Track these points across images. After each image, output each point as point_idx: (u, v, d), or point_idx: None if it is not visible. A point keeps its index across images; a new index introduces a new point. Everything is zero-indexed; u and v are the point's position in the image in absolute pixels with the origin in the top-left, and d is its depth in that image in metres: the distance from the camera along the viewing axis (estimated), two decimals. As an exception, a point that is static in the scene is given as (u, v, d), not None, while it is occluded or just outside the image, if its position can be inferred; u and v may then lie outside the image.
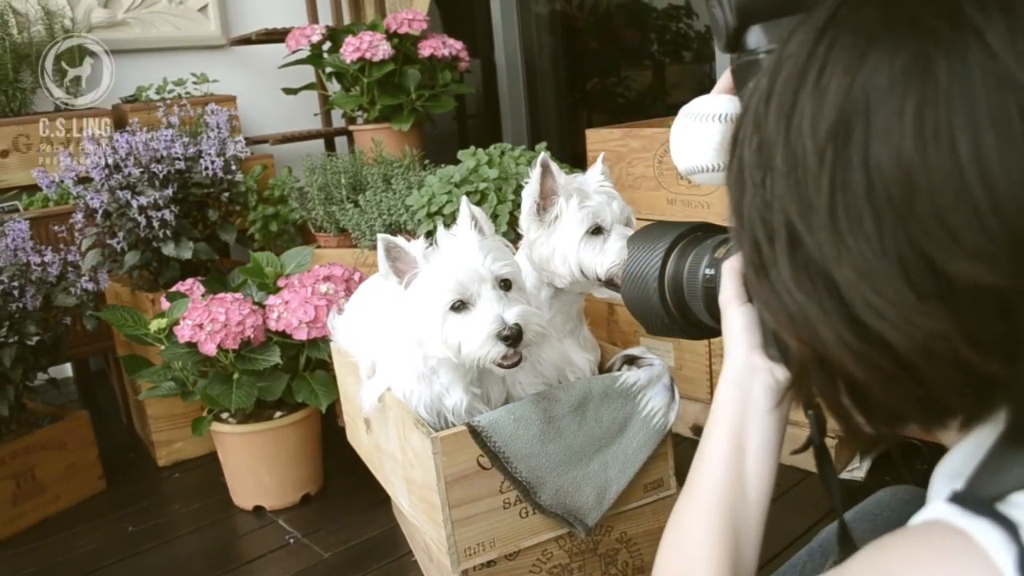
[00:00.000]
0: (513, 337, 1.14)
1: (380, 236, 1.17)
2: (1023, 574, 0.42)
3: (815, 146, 0.47)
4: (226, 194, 2.25)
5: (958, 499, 0.47)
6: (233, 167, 2.23)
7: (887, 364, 0.48)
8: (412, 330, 1.22)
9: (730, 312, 0.71)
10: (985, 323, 0.45)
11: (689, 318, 0.83)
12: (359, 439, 1.70)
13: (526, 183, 1.34)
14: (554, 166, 1.32)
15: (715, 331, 0.83)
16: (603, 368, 1.45)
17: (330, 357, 1.82)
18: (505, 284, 1.19)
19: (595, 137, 2.14)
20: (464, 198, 1.25)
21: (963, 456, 0.53)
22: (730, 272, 0.71)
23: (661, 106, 3.66)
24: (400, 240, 1.19)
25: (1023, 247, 0.43)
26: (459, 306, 1.17)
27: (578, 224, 1.31)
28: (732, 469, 0.69)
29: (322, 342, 1.85)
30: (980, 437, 0.51)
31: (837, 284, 0.48)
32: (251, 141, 2.76)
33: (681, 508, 0.71)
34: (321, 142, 3.18)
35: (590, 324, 1.54)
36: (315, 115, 3.21)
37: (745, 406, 0.69)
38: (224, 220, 2.28)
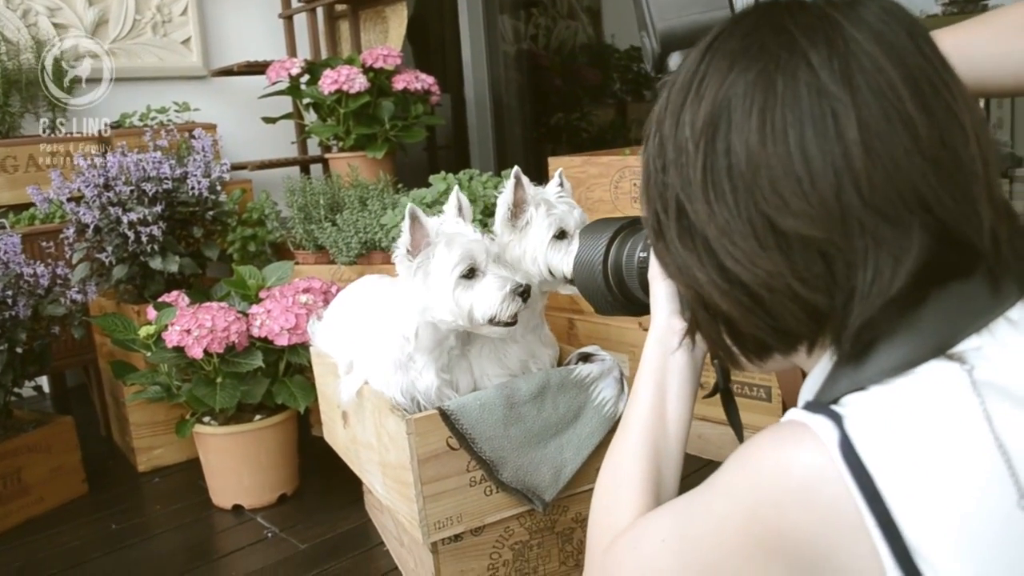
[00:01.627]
0: (527, 292, 1.36)
1: (409, 206, 1.36)
2: (843, 451, 0.59)
3: (693, 138, 0.66)
4: (210, 213, 2.40)
5: (806, 406, 0.65)
6: (218, 187, 2.39)
7: (744, 298, 0.66)
8: (420, 298, 1.39)
9: (655, 284, 0.89)
10: (809, 265, 0.63)
11: (628, 296, 1.01)
12: (336, 435, 1.85)
13: (500, 192, 1.53)
14: (525, 179, 1.51)
15: (649, 307, 1.01)
16: (560, 364, 1.62)
17: (309, 362, 1.97)
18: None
19: (557, 164, 2.34)
20: (456, 187, 1.46)
21: (814, 380, 0.70)
22: None
23: (622, 141, 3.89)
24: (420, 212, 1.37)
25: (832, 209, 0.61)
26: (469, 274, 1.36)
27: (546, 229, 1.49)
28: (655, 410, 0.86)
29: (301, 348, 2.01)
30: (824, 365, 0.69)
31: (708, 240, 0.66)
32: (230, 167, 2.92)
33: (615, 442, 0.89)
34: (297, 169, 3.34)
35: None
36: (292, 143, 3.38)
37: (666, 360, 0.87)
38: (207, 238, 2.43)
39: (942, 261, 0.62)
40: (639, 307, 1.02)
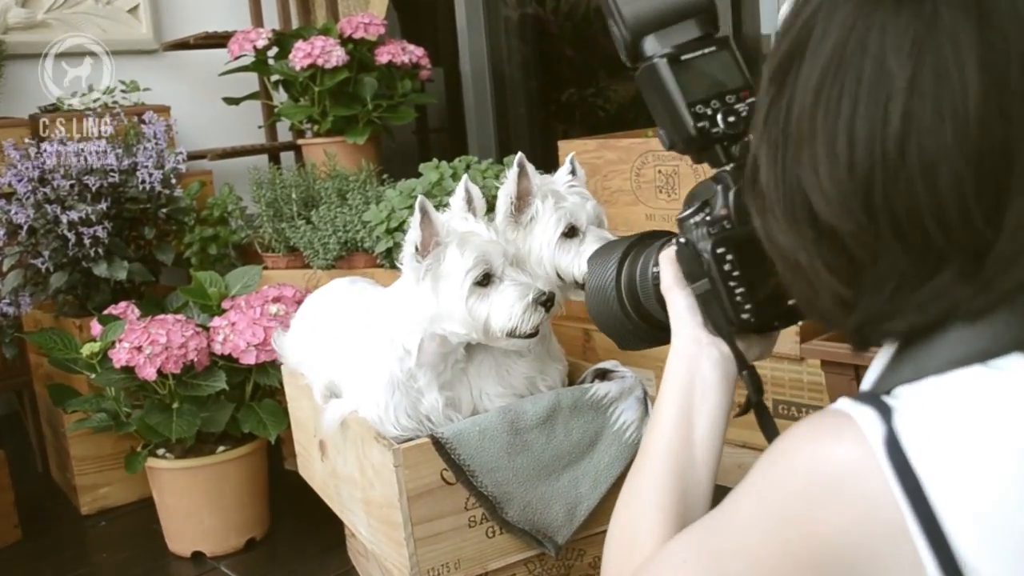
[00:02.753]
0: (551, 301, 1.40)
1: (420, 198, 1.39)
2: (888, 448, 0.61)
3: (769, 73, 0.70)
4: (164, 210, 2.43)
5: (858, 396, 0.67)
6: (172, 181, 2.42)
7: (785, 264, 0.71)
8: (427, 306, 1.42)
9: (672, 297, 0.92)
10: (834, 252, 0.67)
11: (649, 320, 1.03)
12: (312, 469, 1.86)
13: (502, 183, 1.55)
14: (530, 167, 1.54)
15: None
16: (573, 382, 1.64)
17: (280, 383, 1.99)
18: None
19: (568, 149, 2.35)
20: (465, 176, 1.49)
21: (878, 364, 0.73)
22: (667, 261, 0.92)
23: (645, 120, 3.88)
24: (431, 207, 1.40)
25: (856, 205, 0.64)
26: (484, 280, 1.40)
27: (554, 225, 1.52)
28: (680, 433, 0.88)
29: (271, 367, 2.03)
30: (890, 347, 0.72)
31: (763, 189, 0.71)
32: (187, 156, 2.94)
33: (634, 471, 0.91)
34: (265, 157, 3.37)
35: (565, 351, 1.72)
36: (259, 127, 3.41)
37: (693, 378, 0.90)
38: (161, 239, 2.46)
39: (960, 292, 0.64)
40: (663, 331, 1.04)
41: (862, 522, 0.61)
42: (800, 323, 1.67)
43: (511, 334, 1.41)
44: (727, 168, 0.89)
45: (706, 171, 0.90)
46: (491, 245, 1.42)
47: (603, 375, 1.63)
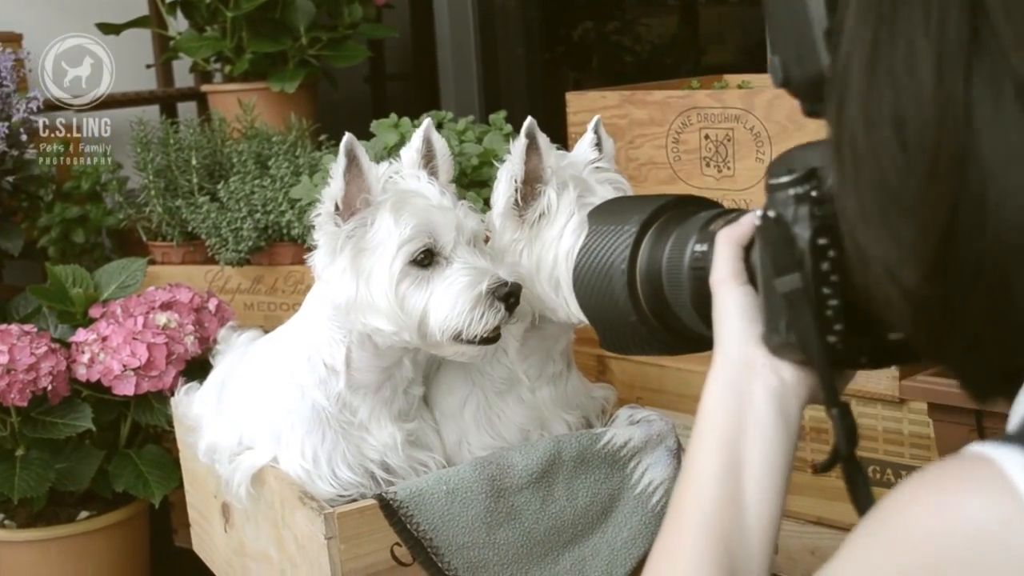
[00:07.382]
0: (514, 295, 1.38)
1: (346, 138, 1.40)
2: None
3: None
4: (10, 179, 2.44)
5: (1000, 437, 0.68)
6: (23, 138, 2.42)
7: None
8: (344, 291, 1.42)
9: (723, 293, 0.90)
10: None
11: (667, 320, 1.01)
12: (212, 543, 1.86)
13: (504, 159, 1.52)
14: (543, 138, 1.49)
15: (701, 342, 1.01)
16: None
17: (170, 423, 1.99)
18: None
19: (580, 104, 2.37)
20: (427, 120, 1.49)
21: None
22: (728, 243, 0.91)
23: (689, 66, 3.90)
24: (362, 151, 1.41)
25: None
26: (425, 259, 1.40)
27: (575, 229, 1.45)
28: (725, 490, 0.88)
29: (157, 400, 2.03)
30: None
31: None
32: (46, 106, 2.94)
33: (662, 544, 0.90)
34: (155, 109, 3.36)
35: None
36: (147, 67, 3.41)
37: (742, 414, 0.89)
38: (5, 220, 2.46)
39: None
40: (684, 341, 1.03)
41: None
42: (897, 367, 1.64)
43: (457, 337, 1.40)
44: None
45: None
46: (441, 213, 1.42)
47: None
